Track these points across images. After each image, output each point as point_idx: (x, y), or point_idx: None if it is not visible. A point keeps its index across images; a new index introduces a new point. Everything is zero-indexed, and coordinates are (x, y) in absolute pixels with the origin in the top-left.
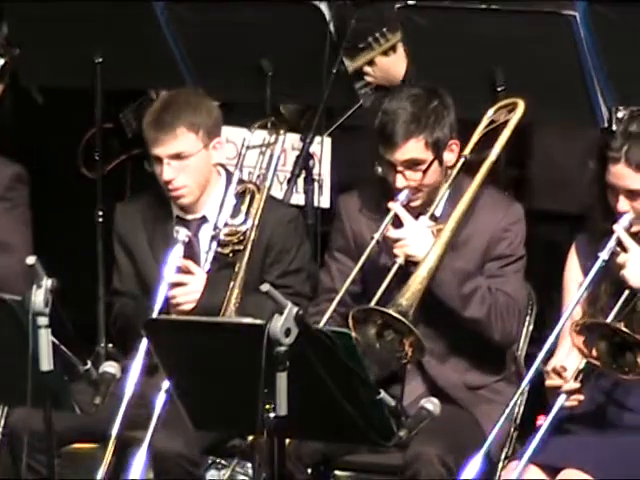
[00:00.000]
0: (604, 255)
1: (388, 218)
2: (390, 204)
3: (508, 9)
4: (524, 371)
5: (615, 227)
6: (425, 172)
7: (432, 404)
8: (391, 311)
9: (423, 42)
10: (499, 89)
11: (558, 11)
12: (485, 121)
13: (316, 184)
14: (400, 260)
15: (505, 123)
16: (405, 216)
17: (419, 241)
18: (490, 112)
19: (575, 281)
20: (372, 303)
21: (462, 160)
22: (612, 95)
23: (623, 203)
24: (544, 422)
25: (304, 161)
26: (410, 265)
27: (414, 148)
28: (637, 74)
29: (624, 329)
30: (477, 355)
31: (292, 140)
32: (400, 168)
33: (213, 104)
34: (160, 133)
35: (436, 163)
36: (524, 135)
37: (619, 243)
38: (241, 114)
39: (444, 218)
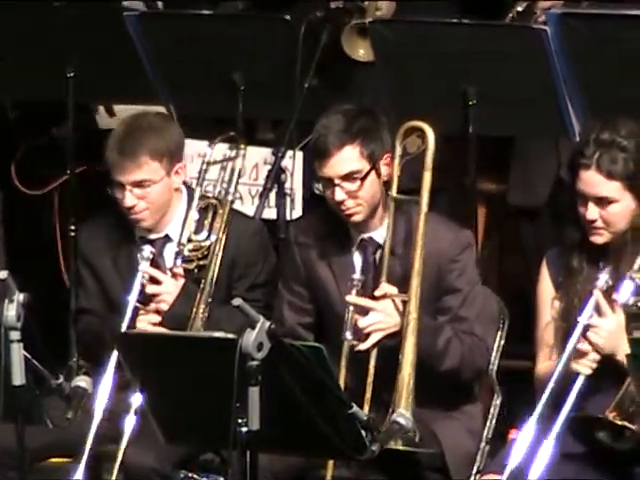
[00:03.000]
0: (583, 320)
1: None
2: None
3: (480, 23)
4: (495, 385)
5: (594, 291)
6: (362, 181)
7: (404, 418)
8: (400, 446)
9: (393, 57)
10: (470, 103)
11: (530, 25)
12: (398, 154)
13: (288, 198)
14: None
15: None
16: (366, 302)
17: (389, 319)
18: (397, 145)
19: (548, 295)
20: None
21: (393, 203)
22: (583, 108)
23: (592, 211)
24: (516, 436)
25: (276, 175)
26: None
27: (349, 156)
28: (608, 86)
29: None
30: (447, 396)
31: (264, 154)
32: (337, 181)
33: (177, 128)
34: (123, 160)
35: (373, 174)
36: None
37: (596, 305)
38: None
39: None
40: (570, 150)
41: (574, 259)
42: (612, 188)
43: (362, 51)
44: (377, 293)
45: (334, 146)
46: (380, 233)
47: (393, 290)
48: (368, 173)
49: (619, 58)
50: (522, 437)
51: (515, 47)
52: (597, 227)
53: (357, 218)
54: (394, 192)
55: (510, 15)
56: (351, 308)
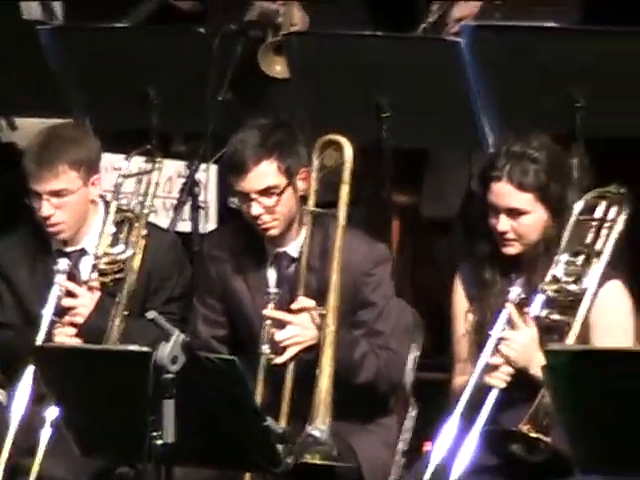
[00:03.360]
0: (496, 333)
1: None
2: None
3: (393, 35)
4: (410, 398)
5: (507, 304)
6: (279, 196)
7: (319, 431)
8: (317, 460)
9: (308, 70)
10: (384, 115)
11: (443, 37)
12: (316, 168)
13: (202, 211)
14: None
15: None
16: (283, 316)
17: (306, 332)
18: (314, 158)
19: (461, 308)
20: None
21: (310, 216)
22: (497, 120)
23: (504, 222)
24: (431, 448)
25: (190, 188)
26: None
27: (266, 171)
28: (522, 99)
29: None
30: (364, 409)
31: (178, 167)
32: (254, 196)
33: (94, 139)
34: (41, 170)
35: (290, 189)
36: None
37: (509, 318)
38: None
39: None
40: (482, 162)
41: (486, 272)
42: (523, 199)
43: (279, 67)
44: (294, 306)
45: (251, 161)
46: (295, 247)
47: (310, 303)
48: (285, 188)
49: (532, 70)
50: (437, 449)
51: (428, 59)
52: (509, 239)
53: (273, 232)
54: (311, 206)
55: (423, 26)
56: (268, 322)
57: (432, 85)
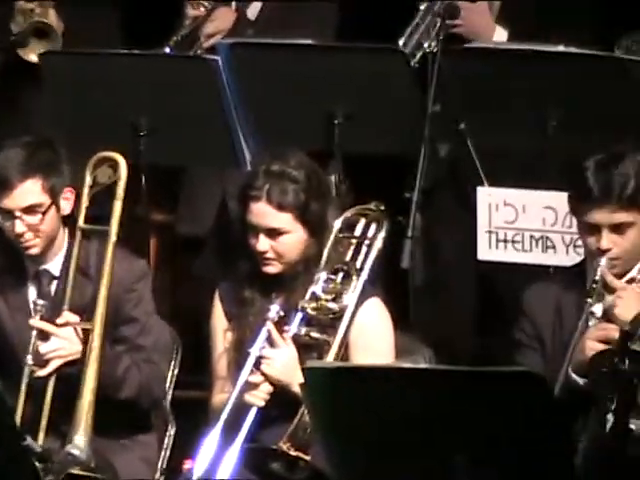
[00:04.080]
0: (255, 351)
1: (33, 337)
2: (30, 321)
3: (148, 54)
4: (169, 415)
5: (266, 322)
6: (44, 215)
7: (78, 449)
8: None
9: (63, 88)
10: (141, 134)
11: (202, 56)
12: (88, 181)
13: None
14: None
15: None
16: (48, 327)
17: (71, 346)
18: (88, 175)
19: (220, 326)
20: None
21: (80, 232)
22: (255, 137)
23: (263, 242)
24: (190, 466)
25: None
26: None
27: (31, 189)
28: (280, 116)
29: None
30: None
31: None
32: (18, 213)
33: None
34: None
35: (53, 209)
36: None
37: (268, 336)
38: None
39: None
40: (237, 179)
41: (246, 290)
42: (283, 219)
43: (33, 56)
44: (59, 321)
45: (16, 179)
46: (56, 264)
47: (75, 318)
48: (49, 207)
49: (290, 87)
50: (197, 467)
51: (186, 77)
52: (269, 258)
53: (34, 251)
54: (81, 222)
55: (174, 38)
56: (34, 333)
57: (190, 102)
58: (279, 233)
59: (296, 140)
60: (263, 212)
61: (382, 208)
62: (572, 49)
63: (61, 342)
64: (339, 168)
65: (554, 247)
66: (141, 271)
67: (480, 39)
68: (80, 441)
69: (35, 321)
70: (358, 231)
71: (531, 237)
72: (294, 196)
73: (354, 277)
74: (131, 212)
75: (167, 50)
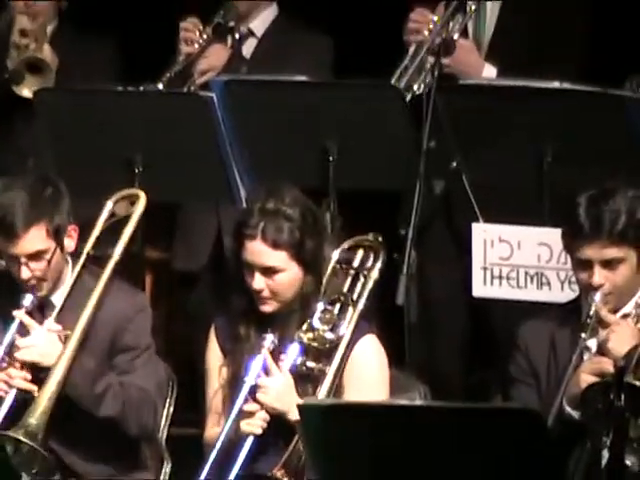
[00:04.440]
0: (250, 380)
1: (14, 326)
2: (15, 312)
3: (138, 91)
4: (165, 453)
5: (262, 350)
6: (49, 261)
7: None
8: (19, 435)
9: (57, 125)
10: (137, 170)
11: (197, 92)
12: (105, 213)
13: None
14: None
15: (128, 217)
16: (31, 323)
17: (47, 348)
18: (109, 204)
19: (216, 362)
20: None
21: (84, 257)
22: (250, 173)
23: (259, 281)
24: None
25: None
26: (38, 371)
27: (36, 237)
28: (274, 152)
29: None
30: (114, 449)
31: None
32: (24, 260)
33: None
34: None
35: (58, 250)
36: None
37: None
38: None
39: (67, 311)
40: (232, 215)
41: (241, 326)
42: (278, 258)
43: (26, 91)
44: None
45: (21, 227)
46: (59, 296)
47: (57, 327)
48: (54, 251)
49: (285, 123)
50: None
51: (181, 114)
52: (265, 297)
53: (40, 293)
54: (89, 248)
55: (167, 75)
56: (14, 324)
57: (184, 138)
58: (275, 271)
59: (290, 176)
60: (258, 250)
61: (379, 239)
62: (567, 85)
63: (39, 339)
64: (333, 204)
65: (549, 284)
66: (141, 304)
67: (469, 76)
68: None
69: (19, 313)
70: (356, 262)
71: (526, 273)
72: (289, 234)
73: (351, 308)
74: (126, 249)
75: (160, 86)
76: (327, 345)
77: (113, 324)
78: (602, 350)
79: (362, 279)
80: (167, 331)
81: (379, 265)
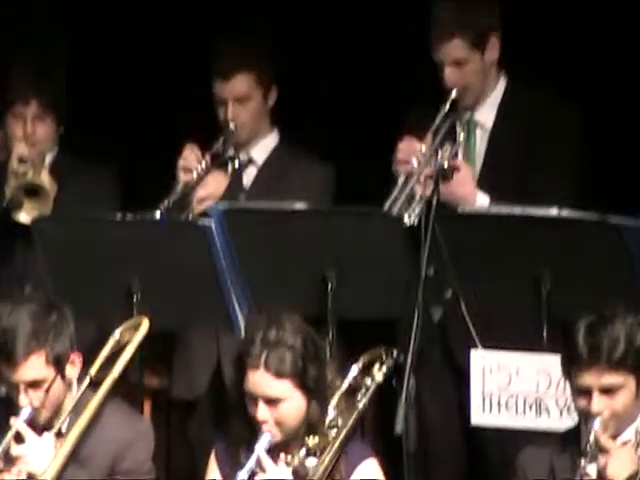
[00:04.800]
0: (243, 475)
1: (9, 434)
2: (12, 420)
3: (140, 220)
4: None
5: (256, 447)
6: (48, 390)
7: None
8: None
9: (55, 252)
10: (135, 297)
11: (194, 221)
12: (111, 341)
13: None
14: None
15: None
16: (27, 432)
17: (41, 458)
18: (116, 333)
19: None
20: None
21: (87, 379)
22: (249, 300)
23: (263, 411)
24: None
25: None
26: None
27: (36, 365)
28: (274, 279)
29: None
30: None
31: None
32: (23, 386)
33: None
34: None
35: (59, 379)
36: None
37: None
38: None
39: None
40: (232, 343)
41: (242, 454)
42: (282, 387)
43: (24, 215)
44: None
45: (20, 354)
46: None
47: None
48: (53, 380)
49: (283, 251)
50: None
51: (179, 241)
52: (269, 427)
53: (40, 419)
54: (93, 371)
55: (166, 203)
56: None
57: (183, 266)
58: (279, 401)
59: (289, 304)
60: (261, 381)
61: (394, 352)
62: (565, 213)
63: (30, 450)
64: (332, 332)
65: (548, 411)
66: (143, 430)
67: (463, 205)
68: None
69: (17, 421)
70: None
71: (525, 401)
72: (292, 363)
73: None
74: (125, 377)
75: (158, 214)
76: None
77: (114, 448)
78: (602, 476)
79: (368, 381)
80: (166, 457)
81: (384, 370)
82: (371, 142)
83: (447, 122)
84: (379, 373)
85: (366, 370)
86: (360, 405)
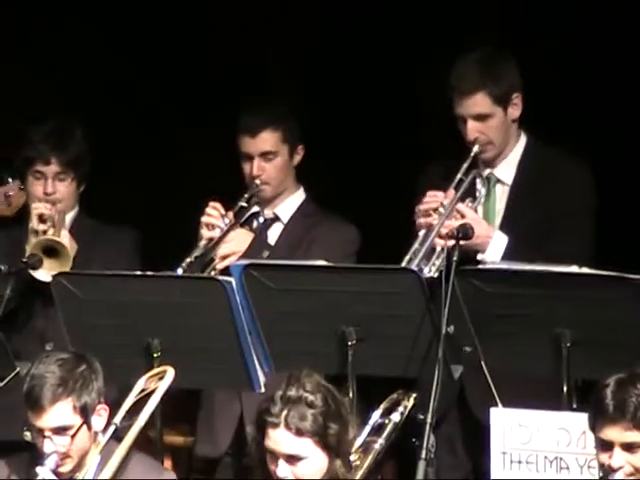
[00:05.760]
0: None
1: None
2: (37, 468)
3: (162, 275)
4: None
5: None
6: (73, 437)
7: None
8: None
9: (75, 310)
10: (155, 355)
11: (215, 277)
12: (136, 390)
13: None
14: None
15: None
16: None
17: None
18: (141, 381)
19: None
20: None
21: (113, 427)
22: (269, 358)
23: (283, 468)
24: None
25: None
26: None
27: (62, 412)
28: (295, 338)
29: None
30: None
31: None
32: (48, 433)
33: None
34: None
35: (84, 428)
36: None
37: None
38: None
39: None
40: (254, 400)
41: None
42: (303, 445)
43: (44, 274)
44: None
45: (47, 400)
46: (89, 474)
47: None
48: (79, 428)
49: (305, 308)
50: None
51: (199, 298)
52: None
53: (64, 469)
54: (118, 420)
55: (187, 260)
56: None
57: (204, 323)
58: (299, 459)
59: (309, 362)
60: (282, 439)
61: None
62: (585, 270)
63: None
64: (353, 389)
65: (568, 468)
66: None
67: (479, 249)
68: None
69: (43, 469)
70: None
71: (545, 458)
72: (313, 421)
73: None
74: (144, 434)
75: (180, 271)
76: None
77: None
78: None
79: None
80: None
81: (401, 409)
82: (394, 203)
83: (468, 177)
84: (397, 414)
85: (386, 416)
86: (377, 445)
